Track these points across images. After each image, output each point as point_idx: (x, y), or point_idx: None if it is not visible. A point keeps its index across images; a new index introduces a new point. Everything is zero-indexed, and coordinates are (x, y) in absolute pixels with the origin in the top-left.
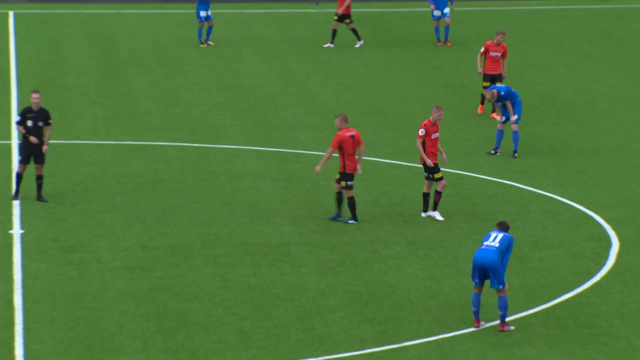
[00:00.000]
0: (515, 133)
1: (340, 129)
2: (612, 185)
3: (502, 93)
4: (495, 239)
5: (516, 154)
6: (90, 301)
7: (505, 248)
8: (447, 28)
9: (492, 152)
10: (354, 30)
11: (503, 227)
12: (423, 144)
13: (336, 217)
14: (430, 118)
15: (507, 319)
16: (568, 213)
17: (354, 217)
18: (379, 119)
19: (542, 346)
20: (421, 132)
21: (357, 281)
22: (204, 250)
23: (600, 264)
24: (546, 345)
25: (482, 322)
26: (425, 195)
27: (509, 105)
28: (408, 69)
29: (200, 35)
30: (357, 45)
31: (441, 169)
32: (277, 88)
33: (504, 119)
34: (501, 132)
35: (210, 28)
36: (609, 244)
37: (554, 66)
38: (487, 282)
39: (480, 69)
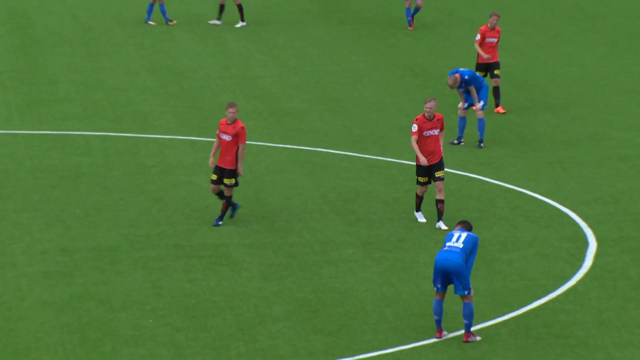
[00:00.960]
0: (480, 121)
1: (235, 119)
2: (588, 178)
3: (466, 77)
4: (458, 239)
5: (482, 144)
6: (5, 311)
7: (470, 249)
8: (417, 9)
9: (455, 142)
10: (239, 7)
11: (466, 226)
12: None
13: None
14: (425, 112)
15: (473, 329)
16: (540, 210)
17: (221, 217)
18: (329, 105)
19: (512, 358)
20: (413, 127)
21: (304, 287)
22: (132, 253)
23: (576, 266)
24: (516, 357)
25: (444, 332)
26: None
27: (473, 90)
28: (361, 49)
29: (150, 12)
30: (238, 26)
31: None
32: (213, 70)
33: (466, 105)
34: (463, 119)
35: (162, 6)
36: (585, 244)
37: (523, 46)
38: (451, 287)
39: (484, 55)
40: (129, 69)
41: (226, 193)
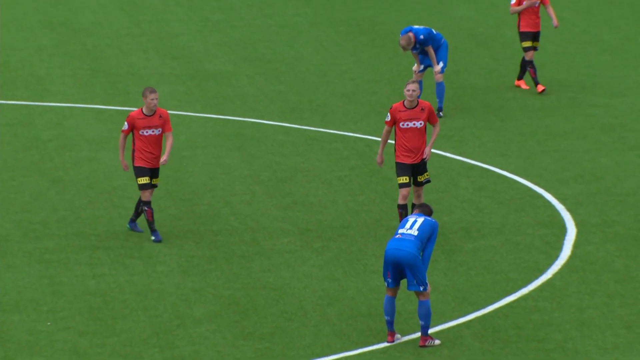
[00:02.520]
0: (439, 86)
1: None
2: (566, 152)
3: (422, 37)
4: (413, 226)
5: (441, 113)
6: None
7: (427, 237)
8: None
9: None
10: None
11: (424, 210)
12: (390, 134)
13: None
14: (405, 99)
15: (431, 331)
16: (510, 190)
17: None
18: (260, 67)
19: None
20: (387, 116)
21: (232, 283)
22: (25, 244)
23: (552, 256)
24: None
25: (397, 335)
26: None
27: (431, 51)
28: (298, 0)
29: None
30: None
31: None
32: (122, 26)
33: (422, 67)
34: (419, 84)
35: None
36: (562, 230)
37: None
38: (404, 282)
39: (524, 26)
40: (21, 25)
41: (150, 197)
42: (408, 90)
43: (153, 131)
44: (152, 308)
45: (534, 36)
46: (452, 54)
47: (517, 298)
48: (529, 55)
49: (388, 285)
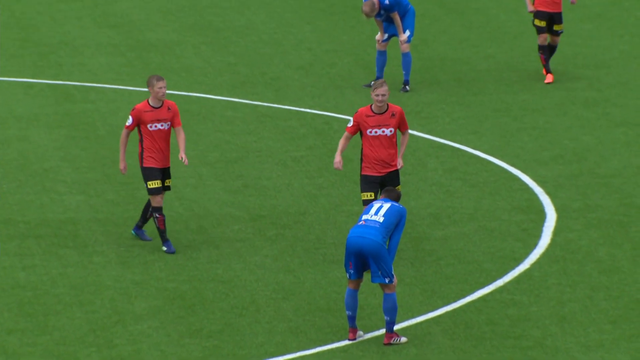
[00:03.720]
0: (405, 56)
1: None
2: (546, 130)
3: (387, 2)
4: (379, 212)
5: (407, 87)
6: None
7: (394, 224)
8: None
9: (372, 83)
10: None
11: (391, 195)
12: (349, 141)
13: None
14: (374, 103)
15: (397, 327)
16: (483, 172)
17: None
18: (207, 37)
19: None
20: (350, 121)
21: (176, 275)
22: None
23: (530, 245)
24: None
25: (359, 333)
26: None
27: (397, 18)
28: None
29: None
30: None
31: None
32: None
33: (386, 36)
34: (383, 55)
35: None
36: (541, 216)
37: None
38: (368, 274)
39: (530, 6)
40: None
41: (161, 203)
42: (377, 95)
43: (162, 125)
44: (88, 303)
45: (551, 17)
46: (419, 21)
47: (492, 291)
48: (540, 39)
49: (350, 277)
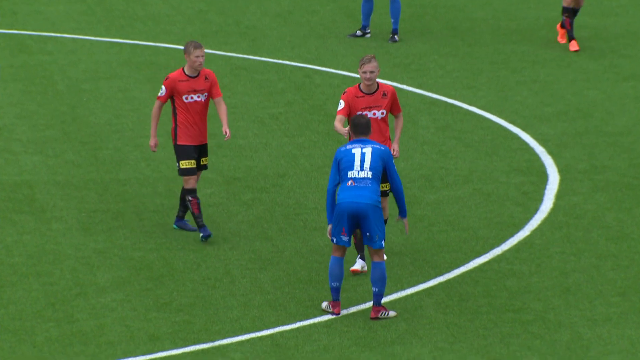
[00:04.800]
0: (394, 3)
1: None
2: (547, 84)
3: None
4: (364, 164)
5: (396, 37)
6: None
7: (381, 170)
8: None
9: (359, 33)
10: None
11: (364, 130)
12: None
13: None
14: (362, 82)
15: (385, 300)
16: (479, 129)
17: (199, 227)
18: None
19: (440, 342)
20: (340, 104)
21: (143, 244)
22: None
23: (531, 210)
24: (445, 339)
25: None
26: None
27: None
28: None
29: None
30: None
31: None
32: None
33: None
34: (369, 1)
35: None
36: (543, 178)
37: None
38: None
39: None
40: None
41: (195, 184)
42: (365, 72)
43: (199, 96)
44: (47, 274)
45: None
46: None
47: (489, 260)
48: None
49: (338, 242)
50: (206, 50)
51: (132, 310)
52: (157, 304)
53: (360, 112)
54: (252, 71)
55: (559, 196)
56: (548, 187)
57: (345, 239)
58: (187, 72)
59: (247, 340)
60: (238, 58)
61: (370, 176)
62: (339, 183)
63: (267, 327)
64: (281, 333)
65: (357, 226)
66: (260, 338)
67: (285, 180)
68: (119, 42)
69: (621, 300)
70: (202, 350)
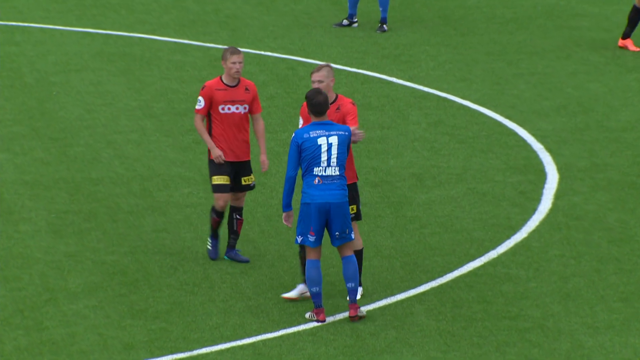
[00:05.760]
0: None
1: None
2: (546, 77)
3: None
4: (331, 157)
5: (385, 26)
6: None
7: (347, 156)
8: None
9: (345, 22)
10: None
11: (318, 108)
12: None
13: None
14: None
15: (374, 306)
16: (473, 125)
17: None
18: None
19: (432, 351)
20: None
21: (117, 247)
22: None
23: (528, 210)
24: (438, 347)
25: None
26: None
27: None
28: None
29: None
30: None
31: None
32: None
33: None
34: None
35: None
36: (541, 176)
37: None
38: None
39: None
40: None
41: (240, 203)
42: (318, 80)
43: (237, 108)
44: (15, 279)
45: None
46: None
47: (484, 264)
48: None
49: (310, 244)
50: (183, 41)
51: (105, 317)
52: (132, 310)
53: (314, 89)
54: None
55: (558, 196)
56: (546, 186)
57: (312, 239)
58: (224, 81)
59: (228, 349)
60: (217, 49)
61: (338, 172)
62: (299, 171)
63: (249, 335)
64: (263, 341)
65: (325, 224)
66: (242, 347)
67: (268, 178)
68: (90, 32)
69: (624, 306)
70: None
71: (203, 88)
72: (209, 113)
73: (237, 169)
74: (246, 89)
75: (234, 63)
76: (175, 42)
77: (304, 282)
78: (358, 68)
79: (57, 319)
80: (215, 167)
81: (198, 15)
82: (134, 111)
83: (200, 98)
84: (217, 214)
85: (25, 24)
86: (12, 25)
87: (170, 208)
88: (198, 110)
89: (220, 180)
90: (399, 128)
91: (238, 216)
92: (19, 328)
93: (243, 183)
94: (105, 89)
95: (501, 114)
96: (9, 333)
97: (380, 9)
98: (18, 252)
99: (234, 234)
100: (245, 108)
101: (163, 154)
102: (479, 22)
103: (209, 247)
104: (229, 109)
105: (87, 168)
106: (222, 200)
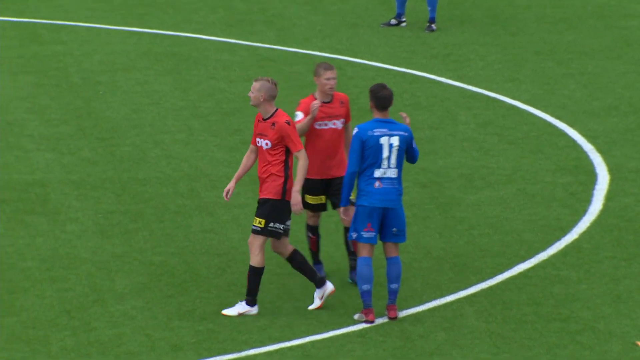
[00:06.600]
0: None
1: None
2: (596, 77)
3: None
4: (391, 160)
5: (433, 26)
6: None
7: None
8: None
9: (393, 22)
10: None
11: (383, 102)
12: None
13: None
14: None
15: (422, 308)
16: (523, 125)
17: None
18: None
19: (482, 353)
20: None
21: (164, 247)
22: None
23: (579, 212)
24: (488, 349)
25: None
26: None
27: None
28: None
29: None
30: None
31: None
32: None
33: None
34: None
35: None
36: (592, 177)
37: None
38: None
39: None
40: None
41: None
42: (328, 79)
43: (334, 123)
44: (62, 279)
45: None
46: None
47: (534, 265)
48: None
49: (365, 241)
50: (230, 40)
51: (152, 318)
52: (180, 311)
53: (379, 84)
54: (280, 62)
55: (609, 197)
56: (597, 187)
57: (367, 235)
58: (319, 97)
59: (276, 351)
60: (264, 48)
61: (396, 175)
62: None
63: (297, 337)
64: (312, 343)
65: (381, 223)
66: (290, 348)
67: None
68: (137, 32)
69: None
70: None
71: (300, 105)
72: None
73: (328, 187)
74: (341, 103)
75: (328, 79)
76: (222, 42)
77: (317, 286)
78: (406, 68)
79: (104, 320)
80: (309, 187)
81: (245, 14)
82: (181, 111)
83: (299, 112)
84: (313, 231)
85: (72, 23)
86: (58, 24)
87: (217, 208)
88: (299, 122)
89: (313, 200)
90: (447, 128)
91: (311, 234)
92: (65, 329)
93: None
94: (152, 88)
95: (551, 114)
96: (56, 334)
97: (429, 8)
98: (65, 252)
99: (354, 254)
100: (342, 123)
101: (210, 154)
102: (529, 21)
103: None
104: (325, 124)
105: (134, 168)
106: (316, 217)
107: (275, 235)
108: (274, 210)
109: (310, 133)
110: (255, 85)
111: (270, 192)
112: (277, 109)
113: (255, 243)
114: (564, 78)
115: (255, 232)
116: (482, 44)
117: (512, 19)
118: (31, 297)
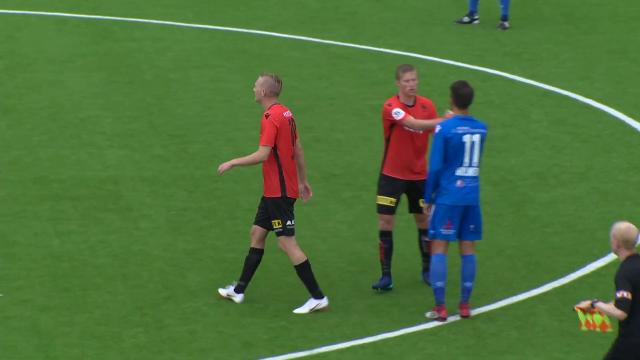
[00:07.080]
0: None
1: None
2: None
3: None
4: (473, 159)
5: (506, 23)
6: None
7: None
8: None
9: (465, 19)
10: None
11: (464, 100)
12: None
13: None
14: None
15: (494, 306)
16: (596, 124)
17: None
18: None
19: (554, 352)
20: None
21: (236, 244)
22: None
23: None
24: (561, 350)
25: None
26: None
27: None
28: None
29: None
30: None
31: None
32: None
33: None
34: None
35: None
36: None
37: None
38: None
39: None
40: None
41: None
42: (409, 80)
43: None
44: (134, 276)
45: None
46: None
47: (607, 264)
48: None
49: (443, 237)
50: (302, 38)
51: (225, 315)
52: (252, 308)
53: (461, 81)
54: (352, 60)
55: None
56: None
57: (445, 232)
58: (401, 100)
59: (348, 348)
60: (336, 46)
61: (477, 173)
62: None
63: (369, 334)
64: (384, 341)
65: (461, 219)
66: (362, 346)
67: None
68: (209, 29)
69: None
70: (300, 358)
71: (390, 105)
72: (391, 130)
73: (409, 190)
74: (423, 107)
75: (408, 81)
76: (294, 39)
77: (314, 297)
78: (479, 66)
79: (176, 317)
80: (386, 185)
81: (317, 11)
82: (253, 108)
83: (399, 111)
84: (385, 237)
85: (144, 20)
86: (131, 22)
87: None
88: (404, 117)
89: (387, 201)
90: (520, 126)
91: (381, 240)
92: (138, 325)
93: (421, 204)
94: (225, 85)
95: (624, 112)
96: (129, 330)
97: (501, 6)
98: (137, 249)
99: (426, 256)
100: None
101: None
102: (601, 20)
103: (381, 283)
104: (407, 127)
105: (207, 165)
106: (385, 222)
107: (293, 232)
108: (280, 209)
109: (395, 137)
110: (260, 80)
111: (272, 191)
112: (273, 105)
113: (286, 244)
114: (637, 76)
115: (279, 234)
116: (554, 42)
117: (584, 18)
118: (104, 294)
